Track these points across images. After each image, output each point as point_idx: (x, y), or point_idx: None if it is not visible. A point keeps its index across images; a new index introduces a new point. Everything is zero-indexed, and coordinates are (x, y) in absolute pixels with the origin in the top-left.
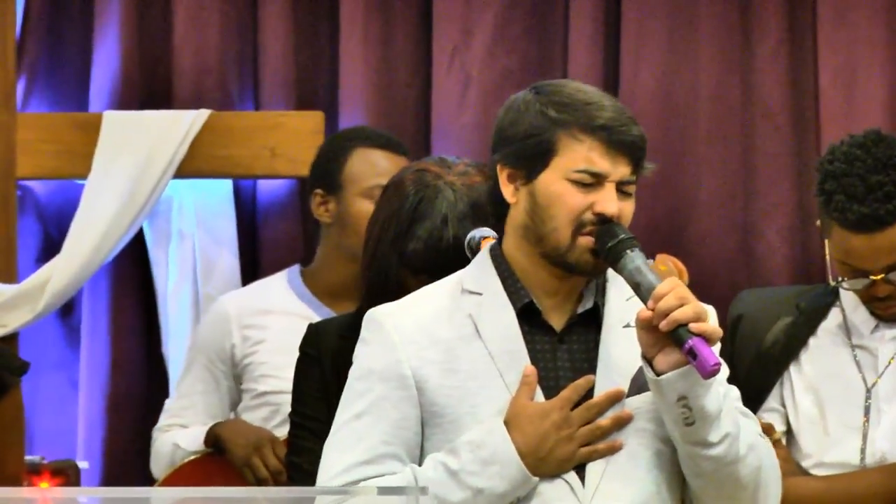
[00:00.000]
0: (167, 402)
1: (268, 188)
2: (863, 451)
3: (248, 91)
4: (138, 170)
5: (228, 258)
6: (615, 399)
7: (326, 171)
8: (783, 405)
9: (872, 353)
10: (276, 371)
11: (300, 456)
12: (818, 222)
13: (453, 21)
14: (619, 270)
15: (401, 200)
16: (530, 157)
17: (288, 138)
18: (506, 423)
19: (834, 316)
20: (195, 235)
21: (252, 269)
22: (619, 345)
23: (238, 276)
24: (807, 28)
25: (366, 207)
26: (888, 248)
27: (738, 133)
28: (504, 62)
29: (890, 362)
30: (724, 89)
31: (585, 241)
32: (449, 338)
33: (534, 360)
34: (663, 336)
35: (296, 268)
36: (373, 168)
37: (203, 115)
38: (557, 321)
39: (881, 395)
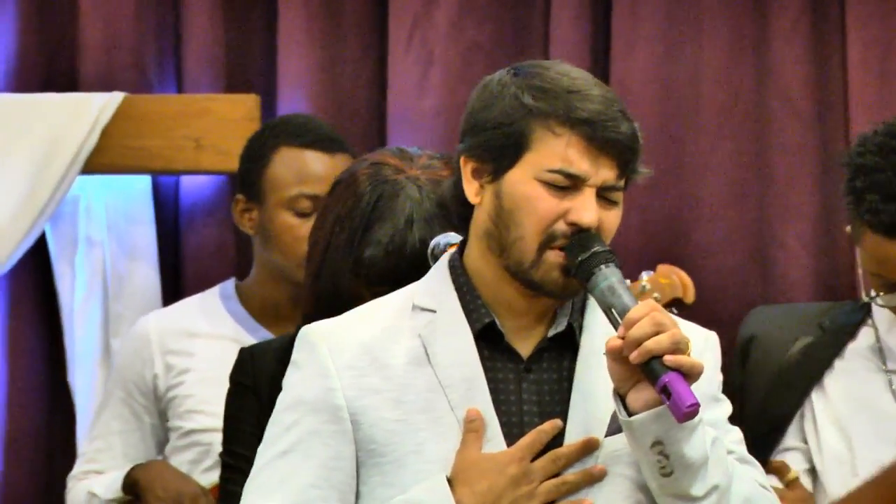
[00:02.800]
0: (82, 444)
1: (192, 186)
2: None
3: (169, 71)
4: (39, 164)
5: (145, 270)
6: (588, 448)
7: (247, 174)
8: (804, 441)
9: None
10: (205, 405)
11: (229, 503)
12: (848, 227)
13: None
14: (590, 290)
15: (354, 199)
16: (499, 149)
17: (216, 127)
18: (451, 478)
19: (864, 336)
20: (106, 242)
21: (173, 282)
22: (597, 375)
23: (157, 292)
24: None
25: (287, 221)
26: None
27: (750, 122)
28: (472, 36)
29: None
30: (733, 70)
31: (554, 256)
32: (395, 363)
33: (494, 393)
34: (637, 369)
35: (230, 282)
36: (297, 173)
37: (115, 98)
38: (524, 346)
39: None
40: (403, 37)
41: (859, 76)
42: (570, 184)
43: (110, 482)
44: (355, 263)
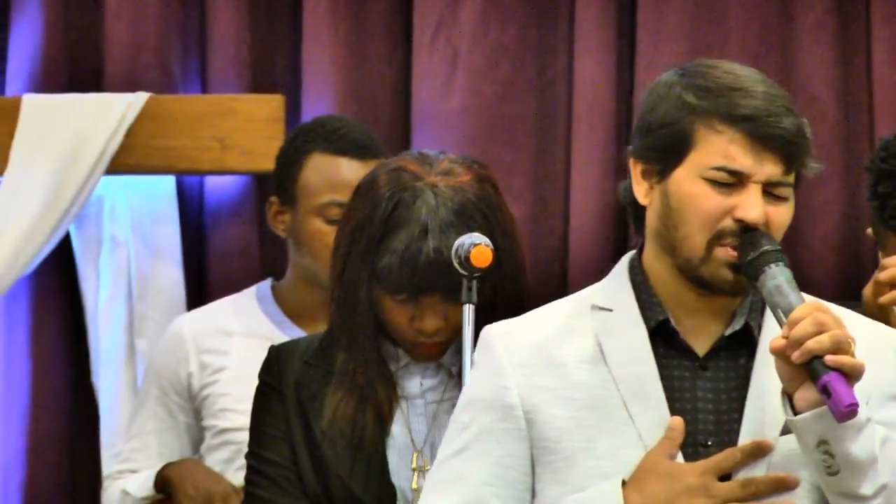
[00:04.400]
0: (119, 444)
1: (217, 186)
2: None
3: (194, 71)
4: (63, 164)
5: (171, 270)
6: (789, 485)
7: (281, 178)
8: None
9: None
10: (239, 404)
11: None
12: (869, 230)
13: None
14: (758, 289)
15: (373, 205)
16: (664, 150)
17: (241, 127)
18: (631, 479)
19: None
20: (131, 242)
21: (198, 283)
22: (774, 375)
23: (182, 292)
24: None
25: (318, 227)
26: None
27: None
28: (497, 36)
29: None
30: (758, 67)
31: (724, 252)
32: (568, 361)
33: (668, 390)
34: (804, 369)
35: (266, 283)
36: (328, 181)
37: (140, 99)
38: (701, 344)
39: None
40: (428, 37)
41: (885, 76)
42: (734, 181)
43: (143, 480)
44: (372, 271)
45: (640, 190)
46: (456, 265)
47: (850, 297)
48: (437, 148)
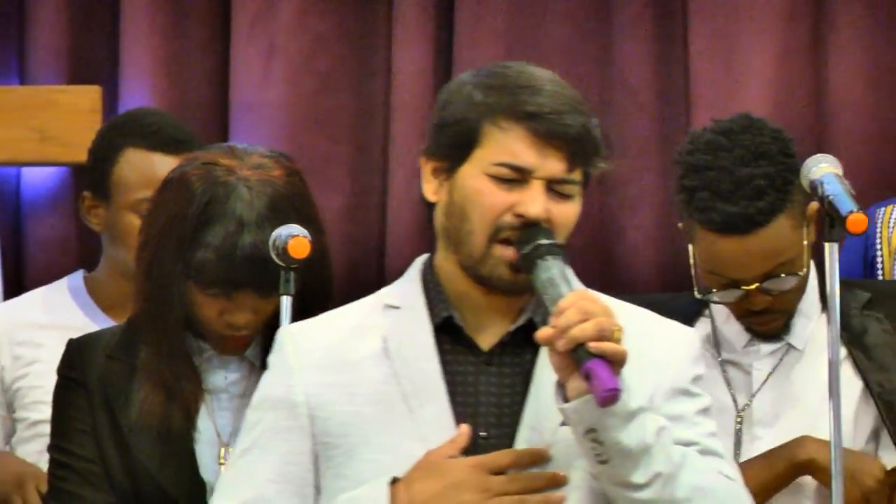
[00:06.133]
0: None
1: (35, 177)
2: None
3: (12, 62)
4: None
5: None
6: (558, 482)
7: (95, 173)
8: None
9: (745, 371)
10: (52, 396)
11: (61, 502)
12: (680, 224)
13: None
14: (533, 282)
15: (185, 200)
16: (452, 147)
17: (60, 118)
18: (403, 478)
19: (701, 326)
20: None
21: (16, 274)
22: None
23: None
24: None
25: (133, 223)
26: (762, 253)
27: (592, 112)
28: (316, 28)
29: (766, 380)
30: (576, 61)
31: (501, 250)
32: (357, 359)
33: (451, 384)
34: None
35: (78, 274)
36: (143, 177)
37: None
38: (486, 340)
39: (755, 419)
40: (246, 28)
41: (701, 70)
42: (517, 177)
43: None
44: (185, 266)
45: (430, 188)
46: (273, 256)
47: (667, 288)
48: (255, 140)
